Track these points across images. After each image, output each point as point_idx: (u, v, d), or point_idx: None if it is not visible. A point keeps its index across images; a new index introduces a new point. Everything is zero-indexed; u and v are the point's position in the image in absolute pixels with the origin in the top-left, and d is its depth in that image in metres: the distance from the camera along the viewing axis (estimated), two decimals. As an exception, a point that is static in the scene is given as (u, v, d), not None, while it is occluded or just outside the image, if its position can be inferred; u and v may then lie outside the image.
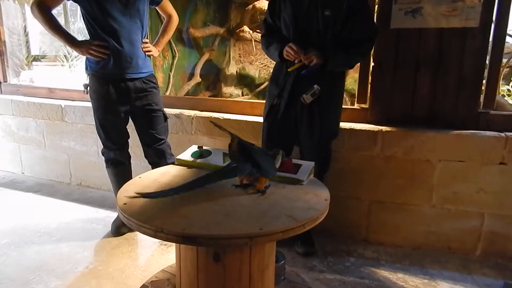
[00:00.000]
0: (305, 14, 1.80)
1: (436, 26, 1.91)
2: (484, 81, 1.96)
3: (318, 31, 1.80)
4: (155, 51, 2.18)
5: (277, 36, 1.90)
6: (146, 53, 2.11)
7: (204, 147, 1.64)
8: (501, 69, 2.05)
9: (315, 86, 1.78)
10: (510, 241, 1.97)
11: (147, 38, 2.15)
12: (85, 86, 2.14)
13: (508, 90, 2.73)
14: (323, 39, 1.79)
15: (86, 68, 2.08)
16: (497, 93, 2.01)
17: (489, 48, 1.91)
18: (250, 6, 2.73)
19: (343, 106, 2.03)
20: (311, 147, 1.93)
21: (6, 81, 3.31)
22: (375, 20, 2.02)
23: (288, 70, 1.85)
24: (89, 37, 2.03)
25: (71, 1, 1.99)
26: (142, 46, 2.08)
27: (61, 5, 2.08)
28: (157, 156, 2.17)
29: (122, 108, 2.08)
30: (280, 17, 1.90)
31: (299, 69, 1.79)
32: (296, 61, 1.79)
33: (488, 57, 1.92)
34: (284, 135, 1.96)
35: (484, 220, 1.98)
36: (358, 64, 2.15)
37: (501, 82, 2.25)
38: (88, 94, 2.12)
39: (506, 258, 1.97)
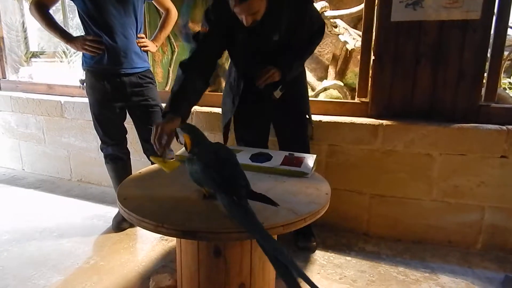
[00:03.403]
0: (255, 41, 1.69)
1: (436, 18, 1.89)
2: (485, 74, 1.95)
3: (269, 53, 1.72)
4: (152, 47, 2.16)
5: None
6: (142, 48, 2.09)
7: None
8: (503, 62, 2.04)
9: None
10: (511, 234, 1.97)
11: (143, 33, 2.14)
12: (81, 81, 2.16)
13: (510, 83, 2.72)
14: (274, 57, 1.71)
15: (83, 64, 2.07)
16: (499, 86, 2.00)
17: (491, 40, 1.89)
18: (250, 0, 2.70)
19: (343, 100, 2.01)
20: (287, 122, 1.90)
21: (5, 78, 3.31)
22: (375, 14, 2.00)
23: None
24: (84, 33, 2.02)
25: None
26: (138, 41, 2.06)
27: (59, 1, 2.08)
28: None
29: (118, 103, 2.07)
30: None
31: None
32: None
33: (489, 50, 1.91)
34: (256, 127, 1.94)
35: (485, 214, 1.97)
36: (359, 58, 2.14)
37: (502, 75, 2.24)
38: (85, 90, 2.12)
39: (506, 251, 1.97)
